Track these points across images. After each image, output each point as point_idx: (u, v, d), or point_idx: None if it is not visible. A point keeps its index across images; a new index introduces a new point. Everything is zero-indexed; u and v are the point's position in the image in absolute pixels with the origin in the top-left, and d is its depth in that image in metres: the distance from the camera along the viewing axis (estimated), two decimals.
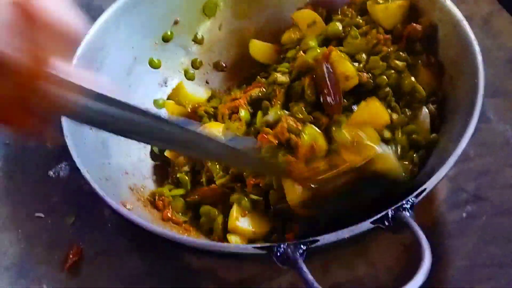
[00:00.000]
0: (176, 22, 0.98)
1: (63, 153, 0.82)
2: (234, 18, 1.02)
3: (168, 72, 0.99)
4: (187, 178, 0.83)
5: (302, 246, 0.60)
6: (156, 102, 0.95)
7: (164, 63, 0.98)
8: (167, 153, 0.88)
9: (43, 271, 0.81)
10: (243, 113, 0.84)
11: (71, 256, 0.80)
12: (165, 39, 0.97)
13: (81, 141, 0.77)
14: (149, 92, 0.96)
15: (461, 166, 0.83)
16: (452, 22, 0.80)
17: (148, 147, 0.90)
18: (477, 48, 0.75)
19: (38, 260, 0.82)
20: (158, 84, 0.98)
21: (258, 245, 0.63)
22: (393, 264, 0.76)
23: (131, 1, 0.91)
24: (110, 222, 0.84)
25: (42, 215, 0.86)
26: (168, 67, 0.99)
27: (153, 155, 0.90)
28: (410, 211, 0.62)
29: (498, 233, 0.77)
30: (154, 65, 0.96)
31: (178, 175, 0.84)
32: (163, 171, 0.89)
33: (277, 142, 0.76)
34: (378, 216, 0.62)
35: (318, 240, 0.61)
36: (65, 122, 0.76)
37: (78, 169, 0.71)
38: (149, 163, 0.90)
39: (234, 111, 0.86)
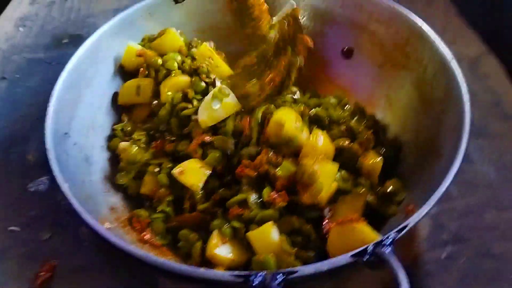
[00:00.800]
0: None
1: (44, 167, 0.81)
2: None
3: None
4: (170, 209, 0.82)
5: (280, 276, 0.59)
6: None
7: None
8: (142, 191, 0.85)
9: (13, 287, 0.78)
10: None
11: (42, 273, 0.78)
12: None
13: (63, 156, 0.76)
14: None
15: (443, 205, 0.84)
16: (441, 61, 0.81)
17: None
18: (464, 88, 0.76)
19: (9, 275, 0.79)
20: None
21: (236, 272, 0.62)
22: None
23: (125, 20, 0.92)
24: (87, 240, 0.82)
25: (18, 229, 0.84)
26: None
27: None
28: (391, 246, 0.61)
29: (477, 275, 0.77)
30: None
31: (162, 209, 0.81)
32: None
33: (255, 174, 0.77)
34: (358, 250, 0.61)
35: (296, 271, 0.60)
36: (48, 135, 0.75)
37: (57, 184, 0.70)
38: None
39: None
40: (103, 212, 0.78)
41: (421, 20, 0.86)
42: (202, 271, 0.66)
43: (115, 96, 0.92)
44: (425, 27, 0.85)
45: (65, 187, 0.70)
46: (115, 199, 0.83)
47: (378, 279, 0.76)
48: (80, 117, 0.84)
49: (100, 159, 0.85)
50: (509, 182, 0.87)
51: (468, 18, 1.13)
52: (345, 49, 0.97)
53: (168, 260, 0.66)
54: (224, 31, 1.01)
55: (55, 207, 0.85)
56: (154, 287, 0.78)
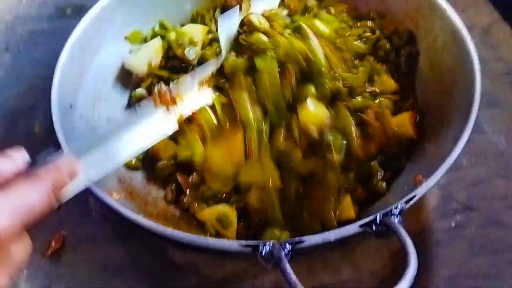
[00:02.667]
0: None
1: (51, 139, 0.81)
2: None
3: None
4: None
5: (287, 246, 0.60)
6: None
7: None
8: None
9: None
10: None
11: (53, 243, 0.79)
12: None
13: (69, 128, 0.76)
14: None
15: (453, 174, 0.83)
16: (452, 30, 0.79)
17: None
18: (475, 57, 0.75)
19: None
20: None
21: (244, 242, 0.62)
22: (378, 269, 0.75)
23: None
24: (95, 210, 0.83)
25: None
26: None
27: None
28: (398, 216, 0.61)
29: (486, 244, 0.77)
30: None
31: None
32: (151, 163, 0.87)
33: None
34: (366, 220, 0.61)
35: (304, 241, 0.61)
36: (54, 107, 0.75)
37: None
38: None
39: None
40: (111, 183, 0.78)
41: None
42: (211, 241, 0.66)
43: (121, 67, 0.91)
44: None
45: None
46: (123, 170, 0.83)
47: (386, 247, 0.76)
48: (85, 89, 0.84)
49: (106, 131, 0.85)
50: None
51: None
52: None
53: (176, 230, 0.66)
54: None
55: None
56: (163, 257, 0.78)
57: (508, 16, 1.06)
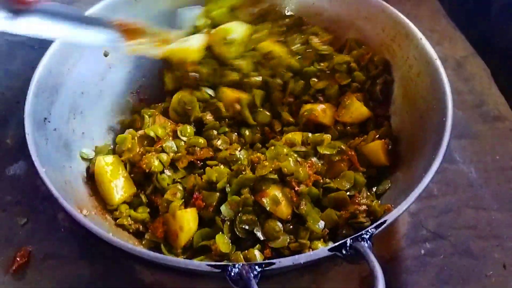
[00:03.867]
0: None
1: (23, 152, 0.80)
2: None
3: (142, 82, 0.97)
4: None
5: (257, 268, 0.59)
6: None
7: (139, 72, 0.97)
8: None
9: None
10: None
11: (18, 259, 0.77)
12: None
13: (42, 141, 0.75)
14: (121, 99, 0.95)
15: (424, 203, 0.84)
16: (426, 60, 0.81)
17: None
18: (447, 87, 0.76)
19: None
20: (131, 93, 0.96)
21: (212, 263, 0.62)
22: None
23: (109, 6, 0.90)
24: (63, 226, 0.82)
25: None
26: (143, 76, 0.97)
27: None
28: (368, 241, 0.61)
29: (453, 273, 0.77)
30: None
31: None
32: None
33: None
34: (336, 244, 0.61)
35: (273, 263, 0.60)
36: (27, 119, 0.74)
37: (36, 169, 0.69)
38: None
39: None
40: (82, 198, 0.76)
41: (407, 19, 0.86)
42: (180, 261, 0.65)
43: (98, 82, 0.91)
44: (412, 26, 0.85)
45: (42, 172, 0.69)
46: (95, 186, 0.81)
47: (356, 272, 0.76)
48: (61, 103, 0.83)
49: (80, 145, 0.84)
50: (488, 183, 0.87)
51: (456, 20, 1.14)
52: None
53: (145, 250, 0.66)
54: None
55: (33, 192, 0.84)
56: (131, 276, 0.77)
57: (481, 50, 1.09)
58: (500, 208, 0.84)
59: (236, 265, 0.59)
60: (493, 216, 0.83)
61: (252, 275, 0.58)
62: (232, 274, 0.58)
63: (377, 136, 0.83)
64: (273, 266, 0.60)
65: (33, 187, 0.84)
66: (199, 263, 0.64)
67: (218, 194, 0.75)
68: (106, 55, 0.92)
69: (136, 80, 0.97)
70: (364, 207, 0.74)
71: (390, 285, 0.74)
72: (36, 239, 0.80)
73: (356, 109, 0.85)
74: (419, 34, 0.84)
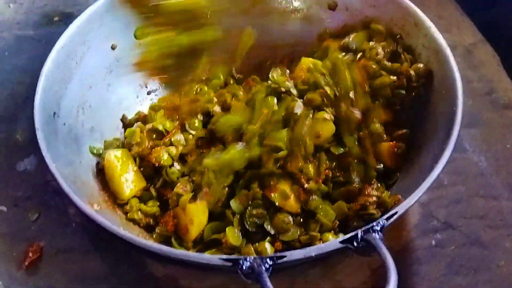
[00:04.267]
0: None
1: (33, 147, 0.80)
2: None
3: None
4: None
5: (268, 261, 0.59)
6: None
7: None
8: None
9: (0, 268, 0.78)
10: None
11: (30, 254, 0.78)
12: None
13: (52, 136, 0.75)
14: (129, 92, 0.94)
15: (434, 193, 0.84)
16: (435, 48, 0.80)
17: None
18: (457, 74, 0.76)
19: None
20: (139, 85, 0.96)
21: (224, 256, 0.62)
22: (358, 286, 0.75)
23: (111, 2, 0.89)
24: (74, 221, 0.82)
25: (5, 209, 0.83)
26: None
27: None
28: (380, 233, 0.61)
29: (465, 263, 0.77)
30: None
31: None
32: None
33: None
34: (348, 236, 0.61)
35: (285, 256, 0.60)
36: (37, 114, 0.74)
37: (46, 164, 0.69)
38: None
39: None
40: (93, 193, 0.77)
41: (416, 7, 0.85)
42: (192, 255, 0.66)
43: (106, 75, 0.91)
44: (420, 13, 0.84)
45: (53, 167, 0.69)
46: (105, 180, 0.81)
47: (366, 264, 0.76)
48: (69, 97, 0.83)
49: (89, 140, 0.84)
50: (499, 172, 0.87)
51: (463, 6, 1.12)
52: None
53: (156, 244, 0.66)
54: (217, 9, 0.98)
55: (43, 187, 0.85)
56: (142, 269, 0.77)
57: (490, 36, 1.07)
58: (511, 197, 0.84)
59: (248, 259, 0.59)
60: (504, 205, 0.83)
61: (264, 268, 0.58)
62: (244, 267, 0.58)
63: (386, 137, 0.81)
64: (285, 259, 0.60)
65: (43, 182, 0.85)
66: (211, 257, 0.65)
67: (227, 189, 0.75)
68: (113, 48, 0.91)
69: (144, 73, 0.96)
70: (374, 198, 0.73)
71: (401, 276, 0.74)
72: (48, 234, 0.81)
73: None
74: (428, 23, 0.83)
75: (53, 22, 0.89)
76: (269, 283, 0.57)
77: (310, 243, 0.71)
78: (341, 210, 0.74)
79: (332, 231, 0.73)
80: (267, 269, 0.58)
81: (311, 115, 0.77)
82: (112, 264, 0.78)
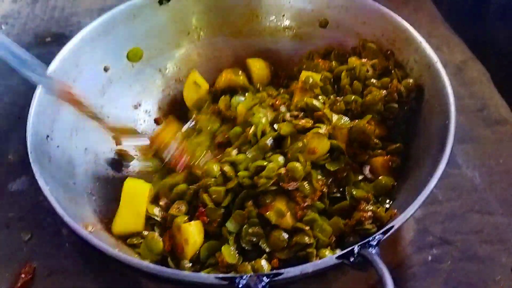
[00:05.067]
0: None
1: (25, 167, 0.78)
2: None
3: (143, 95, 0.97)
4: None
5: (265, 279, 0.59)
6: None
7: (140, 85, 0.97)
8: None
9: None
10: None
11: (23, 275, 0.77)
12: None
13: (45, 158, 0.75)
14: (122, 113, 0.94)
15: (429, 209, 0.84)
16: (427, 63, 0.81)
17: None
18: (449, 89, 0.76)
19: None
20: (132, 106, 0.97)
21: (220, 275, 0.61)
22: None
23: (108, 22, 0.90)
24: (68, 241, 0.81)
25: None
26: (144, 90, 0.97)
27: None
28: (376, 248, 0.61)
29: (462, 279, 0.77)
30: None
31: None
32: None
33: None
34: (344, 251, 0.61)
35: (281, 273, 0.60)
36: (29, 137, 0.73)
37: (38, 184, 0.68)
38: (116, 185, 0.85)
39: None
40: (87, 215, 0.76)
41: (406, 23, 0.87)
42: (188, 274, 0.65)
43: (99, 97, 0.91)
44: (411, 29, 0.85)
45: (46, 190, 0.68)
46: (99, 202, 0.81)
47: (363, 281, 0.76)
48: (62, 120, 0.82)
49: (83, 162, 0.83)
50: (493, 187, 0.87)
51: (453, 25, 1.14)
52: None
53: (152, 264, 0.65)
54: (209, 30, 1.01)
55: (36, 208, 0.84)
56: None
57: (480, 54, 1.09)
58: (506, 212, 0.84)
59: (244, 277, 0.58)
60: (499, 220, 0.83)
61: (261, 286, 0.58)
62: (240, 285, 0.58)
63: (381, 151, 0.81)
64: (281, 276, 0.60)
65: (36, 202, 0.84)
66: (207, 276, 0.64)
67: (222, 210, 0.75)
68: (106, 69, 0.92)
69: (137, 94, 0.97)
70: (369, 213, 0.73)
71: None
72: (41, 254, 0.79)
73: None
74: (419, 38, 0.84)
75: (46, 43, 0.89)
76: None
77: (307, 259, 0.71)
78: (337, 225, 0.73)
79: (329, 247, 0.72)
80: (263, 287, 0.58)
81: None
82: (106, 284, 0.77)
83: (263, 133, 0.81)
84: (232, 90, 0.95)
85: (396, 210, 0.71)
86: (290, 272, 0.60)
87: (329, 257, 0.62)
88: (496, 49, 1.13)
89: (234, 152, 0.81)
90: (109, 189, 0.84)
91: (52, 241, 0.81)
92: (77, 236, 0.66)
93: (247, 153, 0.79)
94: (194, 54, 1.02)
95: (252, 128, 0.81)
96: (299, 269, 0.61)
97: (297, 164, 0.73)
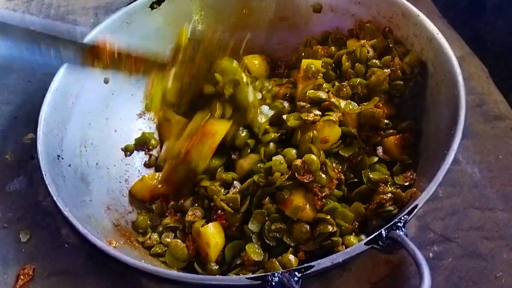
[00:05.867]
0: None
1: (23, 167, 0.78)
2: None
3: (145, 102, 0.96)
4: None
5: (297, 274, 0.58)
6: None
7: (142, 93, 0.95)
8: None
9: None
10: None
11: (22, 277, 0.75)
12: None
13: (60, 179, 0.74)
14: (128, 123, 0.94)
15: (429, 205, 0.84)
16: (427, 36, 0.82)
17: (129, 181, 0.88)
18: (453, 56, 0.77)
19: None
20: (137, 115, 0.96)
21: (251, 275, 0.62)
22: None
23: (102, 32, 0.88)
24: (67, 242, 0.80)
25: None
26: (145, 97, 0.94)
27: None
28: (403, 229, 0.61)
29: (464, 275, 0.77)
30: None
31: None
32: (144, 203, 0.86)
33: None
34: (372, 236, 0.61)
35: (313, 266, 0.59)
36: (42, 160, 0.72)
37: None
38: (131, 195, 0.86)
39: None
40: (108, 230, 0.75)
41: None
42: (217, 278, 0.66)
43: (103, 110, 0.90)
44: (407, 4, 0.86)
45: (66, 211, 0.67)
46: (117, 215, 0.80)
47: (365, 278, 0.76)
48: (70, 137, 0.82)
49: (96, 177, 0.82)
50: (493, 183, 0.87)
51: (450, 20, 1.14)
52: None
53: (183, 273, 0.67)
54: (204, 27, 1.00)
55: (34, 208, 0.83)
56: None
57: (478, 49, 1.09)
58: (506, 208, 0.84)
59: (276, 274, 0.58)
60: (500, 216, 0.83)
61: (294, 282, 0.58)
62: (273, 283, 0.58)
63: (392, 131, 0.81)
64: (313, 269, 0.59)
65: (34, 202, 0.83)
66: (238, 278, 0.64)
67: (240, 214, 0.75)
68: (106, 82, 0.90)
69: (139, 102, 0.96)
70: (389, 195, 0.73)
71: None
72: (40, 255, 0.78)
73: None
74: (416, 11, 0.84)
75: None
76: None
77: (332, 248, 0.71)
78: (358, 211, 0.74)
79: (353, 233, 0.73)
80: (296, 282, 0.58)
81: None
82: (106, 285, 0.76)
83: (266, 131, 0.81)
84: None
85: (415, 189, 0.72)
86: (321, 264, 0.60)
87: (359, 244, 0.62)
88: (494, 44, 1.13)
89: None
90: (124, 201, 0.84)
91: (51, 242, 0.80)
92: (77, 236, 0.66)
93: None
94: None
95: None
96: (330, 260, 0.60)
97: (313, 156, 0.73)
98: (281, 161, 0.74)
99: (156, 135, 0.95)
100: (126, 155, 0.90)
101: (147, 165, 0.92)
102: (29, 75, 0.79)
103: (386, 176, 0.76)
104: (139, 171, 0.91)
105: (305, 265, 0.59)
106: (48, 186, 0.70)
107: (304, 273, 0.58)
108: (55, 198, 0.68)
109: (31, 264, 0.77)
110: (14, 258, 0.78)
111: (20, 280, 0.75)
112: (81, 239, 0.65)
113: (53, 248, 0.79)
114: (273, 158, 0.75)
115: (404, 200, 0.73)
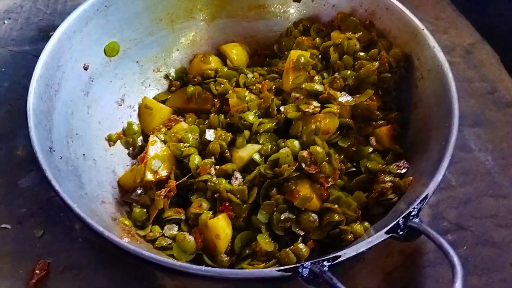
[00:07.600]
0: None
1: (33, 162, 0.78)
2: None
3: (124, 90, 0.94)
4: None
5: (325, 263, 0.60)
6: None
7: (120, 80, 0.94)
8: None
9: (6, 287, 0.76)
10: None
11: (37, 272, 0.76)
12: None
13: (57, 173, 0.72)
14: (108, 111, 0.92)
15: (442, 194, 0.83)
16: (412, 31, 0.82)
17: (116, 172, 0.87)
18: (439, 52, 0.78)
19: (2, 274, 0.77)
20: (116, 103, 0.94)
21: (282, 267, 0.62)
22: None
23: (80, 17, 0.86)
24: (81, 236, 0.80)
25: (9, 227, 0.81)
26: (124, 84, 0.95)
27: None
28: (418, 217, 0.63)
29: (478, 264, 0.77)
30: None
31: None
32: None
33: None
34: (391, 226, 0.63)
35: (339, 256, 0.61)
36: (40, 155, 0.71)
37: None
38: (121, 187, 0.85)
39: None
40: (109, 224, 0.75)
41: None
42: (241, 272, 0.66)
43: (84, 97, 0.88)
44: None
45: (75, 207, 0.67)
46: (112, 209, 0.80)
47: (379, 269, 0.76)
48: (57, 128, 0.79)
49: (85, 169, 0.81)
50: (506, 170, 0.87)
51: (460, 7, 1.13)
52: None
53: (199, 266, 0.65)
54: (182, 18, 0.99)
55: (47, 203, 0.83)
56: (152, 283, 0.76)
57: (488, 36, 1.08)
58: None
59: (305, 265, 0.60)
60: None
61: (323, 272, 0.59)
62: (304, 274, 0.60)
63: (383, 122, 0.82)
64: (339, 259, 0.61)
65: (47, 198, 0.83)
66: (269, 270, 0.64)
67: (248, 205, 0.75)
68: (86, 68, 0.88)
69: (118, 89, 0.94)
70: (389, 184, 0.75)
71: (414, 279, 0.73)
72: (54, 250, 0.79)
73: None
74: (400, 7, 0.84)
75: (49, 37, 0.86)
76: (340, 284, 0.58)
77: (340, 236, 0.73)
78: (360, 200, 0.75)
79: (358, 221, 0.74)
80: (325, 272, 0.59)
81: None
82: (121, 279, 0.77)
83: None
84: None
85: (411, 178, 0.73)
86: (347, 253, 0.62)
87: (379, 233, 0.64)
88: (504, 30, 1.12)
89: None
90: (115, 193, 0.83)
91: (65, 237, 0.80)
92: (89, 231, 0.65)
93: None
94: (169, 41, 0.99)
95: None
96: (355, 249, 0.62)
97: (318, 148, 0.74)
98: (288, 154, 0.74)
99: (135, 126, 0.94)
100: (110, 145, 0.89)
101: (131, 155, 0.90)
102: None
103: (384, 166, 0.77)
104: (124, 161, 0.89)
105: (332, 255, 0.60)
106: (52, 182, 0.69)
107: (332, 263, 0.60)
108: (61, 195, 0.68)
109: (46, 259, 0.78)
110: (29, 253, 0.79)
111: (35, 275, 0.76)
112: (95, 235, 0.65)
113: (67, 243, 0.80)
114: (280, 151, 0.75)
115: (402, 188, 0.74)
